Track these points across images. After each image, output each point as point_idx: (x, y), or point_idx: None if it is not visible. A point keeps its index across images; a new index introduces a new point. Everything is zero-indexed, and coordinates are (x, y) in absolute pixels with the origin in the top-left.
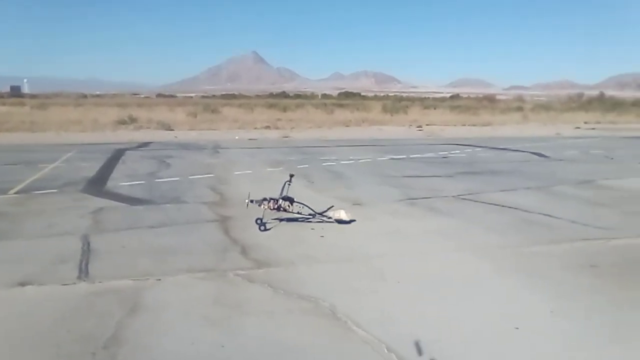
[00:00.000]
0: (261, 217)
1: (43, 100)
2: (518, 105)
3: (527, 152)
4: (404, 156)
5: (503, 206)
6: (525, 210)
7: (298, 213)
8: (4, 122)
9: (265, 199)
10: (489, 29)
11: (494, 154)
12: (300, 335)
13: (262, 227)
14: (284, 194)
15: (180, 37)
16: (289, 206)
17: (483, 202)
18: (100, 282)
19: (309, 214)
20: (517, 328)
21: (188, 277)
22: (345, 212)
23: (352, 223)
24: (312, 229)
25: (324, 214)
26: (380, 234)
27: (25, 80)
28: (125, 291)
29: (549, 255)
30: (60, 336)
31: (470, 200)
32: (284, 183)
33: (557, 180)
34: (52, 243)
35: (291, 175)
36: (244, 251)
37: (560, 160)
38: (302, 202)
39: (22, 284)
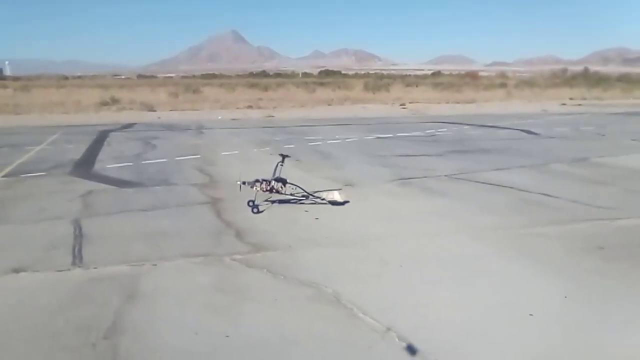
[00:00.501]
0: (253, 199)
1: (25, 82)
2: (501, 82)
3: (516, 129)
4: (391, 135)
5: (499, 185)
6: (522, 190)
7: (291, 194)
8: None
9: (257, 181)
10: (469, 5)
11: (483, 131)
12: (305, 323)
13: (255, 210)
14: (277, 175)
15: (159, 17)
16: (281, 187)
17: (477, 182)
18: (95, 268)
19: (302, 195)
20: (532, 315)
21: (184, 262)
22: (339, 193)
23: (346, 204)
24: (306, 210)
25: (317, 195)
26: (375, 215)
27: (6, 63)
28: (121, 277)
29: (553, 237)
30: (58, 326)
31: (464, 179)
32: (276, 164)
33: (551, 158)
34: (43, 228)
35: (283, 156)
36: (238, 234)
37: (551, 137)
38: (295, 183)
39: (16, 271)
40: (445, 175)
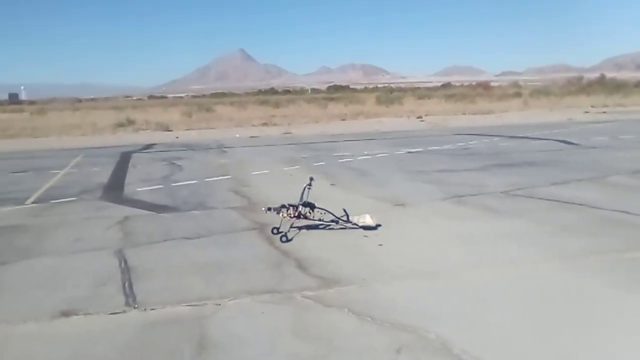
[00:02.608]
0: (277, 226)
1: (41, 106)
2: (515, 91)
3: (551, 139)
4: (420, 149)
5: (567, 202)
6: (596, 207)
7: (319, 220)
8: (6, 129)
9: (284, 206)
10: (477, 15)
11: (516, 143)
12: None
13: (284, 238)
14: (304, 199)
15: (168, 38)
16: (309, 213)
17: (540, 199)
18: (152, 309)
19: (331, 220)
20: None
21: (251, 300)
22: (371, 217)
23: (410, 227)
24: (365, 236)
25: (348, 219)
26: (446, 240)
27: (22, 87)
28: (184, 321)
29: None
30: None
31: (523, 196)
32: (303, 187)
33: (607, 169)
34: (85, 260)
35: (311, 179)
36: (300, 265)
37: (593, 147)
38: (324, 208)
39: (66, 314)
40: (501, 192)
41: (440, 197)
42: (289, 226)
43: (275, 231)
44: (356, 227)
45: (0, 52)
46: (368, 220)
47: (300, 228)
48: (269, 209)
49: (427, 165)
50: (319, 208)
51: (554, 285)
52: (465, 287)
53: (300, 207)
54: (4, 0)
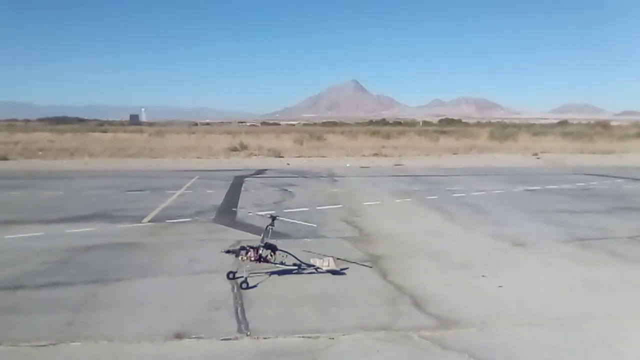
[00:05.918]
0: (234, 270)
1: (159, 127)
2: (637, 132)
3: None
4: (538, 187)
5: None
6: None
7: (281, 263)
8: (126, 149)
9: (243, 248)
10: (595, 51)
11: None
12: None
13: (244, 285)
14: (266, 240)
15: (282, 67)
16: (271, 255)
17: None
18: (265, 338)
19: (294, 264)
20: None
21: (365, 337)
22: (334, 260)
23: (531, 270)
24: (484, 275)
25: (311, 263)
26: (570, 286)
27: (142, 109)
28: (297, 353)
29: None
30: None
31: None
32: (265, 227)
33: None
34: (198, 283)
35: (273, 218)
36: (416, 303)
37: None
38: (286, 250)
39: (179, 336)
40: (628, 237)
41: (563, 239)
42: (249, 270)
43: (231, 276)
44: (321, 271)
45: (123, 75)
46: (332, 265)
47: (271, 273)
48: (228, 251)
49: (546, 204)
50: (282, 250)
51: None
52: (595, 338)
53: (262, 249)
54: (130, 28)
